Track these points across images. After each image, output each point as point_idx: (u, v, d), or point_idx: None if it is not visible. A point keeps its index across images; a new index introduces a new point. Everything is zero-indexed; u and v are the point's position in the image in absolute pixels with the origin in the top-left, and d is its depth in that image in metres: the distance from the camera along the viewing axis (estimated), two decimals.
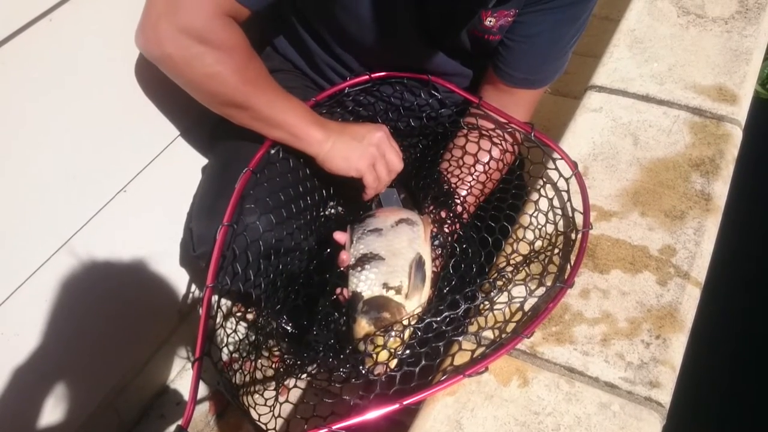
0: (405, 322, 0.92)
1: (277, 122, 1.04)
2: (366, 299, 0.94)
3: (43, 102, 0.99)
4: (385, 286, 0.94)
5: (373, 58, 1.18)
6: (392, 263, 0.96)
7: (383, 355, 0.89)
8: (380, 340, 0.90)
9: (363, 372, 0.90)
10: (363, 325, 0.92)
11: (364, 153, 1.08)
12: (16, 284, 1.05)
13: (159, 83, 1.18)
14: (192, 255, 1.16)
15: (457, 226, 1.12)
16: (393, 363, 0.90)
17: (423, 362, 0.87)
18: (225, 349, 1.00)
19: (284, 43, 1.28)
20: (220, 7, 0.98)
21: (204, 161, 1.32)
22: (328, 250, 1.10)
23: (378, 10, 1.07)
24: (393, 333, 0.90)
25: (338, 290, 0.99)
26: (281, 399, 0.96)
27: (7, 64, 0.91)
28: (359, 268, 0.96)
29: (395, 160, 1.12)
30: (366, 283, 0.95)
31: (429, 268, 0.97)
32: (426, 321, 0.91)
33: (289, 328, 1.10)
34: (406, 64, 1.18)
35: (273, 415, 0.93)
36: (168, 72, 1.02)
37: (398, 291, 0.94)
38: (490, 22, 1.07)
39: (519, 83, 1.14)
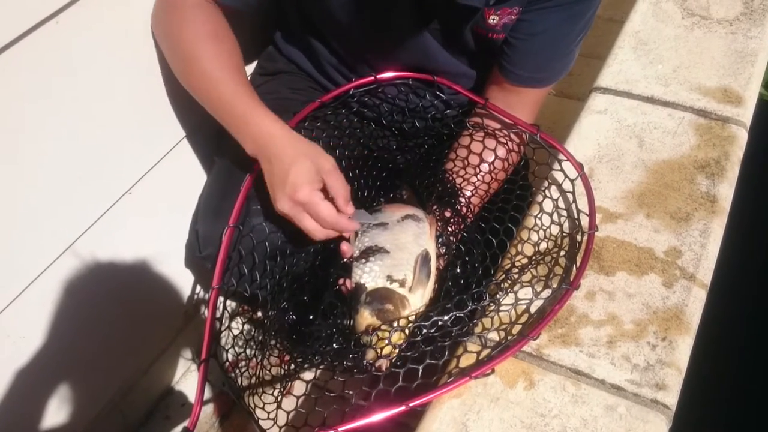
0: (410, 317, 0.92)
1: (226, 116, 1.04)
2: (369, 290, 0.94)
3: (48, 104, 0.99)
4: (389, 278, 0.94)
5: (376, 58, 1.18)
6: (397, 257, 0.96)
7: (385, 349, 0.90)
8: (384, 334, 0.90)
9: (365, 364, 0.90)
10: (365, 316, 0.92)
11: (274, 203, 0.99)
12: (21, 287, 1.05)
13: (164, 85, 1.19)
14: (198, 256, 1.16)
15: (462, 226, 1.12)
16: (394, 354, 0.90)
17: (427, 360, 0.87)
18: (230, 351, 1.00)
19: (289, 44, 1.28)
20: None
21: (210, 162, 1.32)
22: (332, 244, 1.10)
23: (376, 9, 1.08)
24: (395, 326, 0.90)
25: (341, 281, 0.99)
26: (286, 400, 0.96)
27: (13, 66, 0.91)
28: (363, 260, 0.97)
29: (315, 230, 0.98)
30: (370, 275, 0.95)
31: (434, 265, 0.97)
32: (432, 319, 0.91)
33: (294, 323, 1.10)
34: (409, 64, 1.17)
35: (277, 416, 0.93)
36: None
37: (402, 284, 0.94)
38: (494, 20, 1.07)
39: (524, 82, 1.14)
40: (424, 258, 0.96)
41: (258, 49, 1.34)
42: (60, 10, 0.95)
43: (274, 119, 1.01)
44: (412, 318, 0.93)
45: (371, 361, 0.90)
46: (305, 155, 0.98)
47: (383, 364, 0.89)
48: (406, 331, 0.92)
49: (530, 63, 1.12)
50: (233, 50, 1.07)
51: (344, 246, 0.99)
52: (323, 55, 1.23)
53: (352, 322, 0.95)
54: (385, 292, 0.93)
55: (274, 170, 0.98)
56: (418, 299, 0.94)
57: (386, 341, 0.90)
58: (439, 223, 1.09)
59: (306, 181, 0.96)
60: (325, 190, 0.98)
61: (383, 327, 0.91)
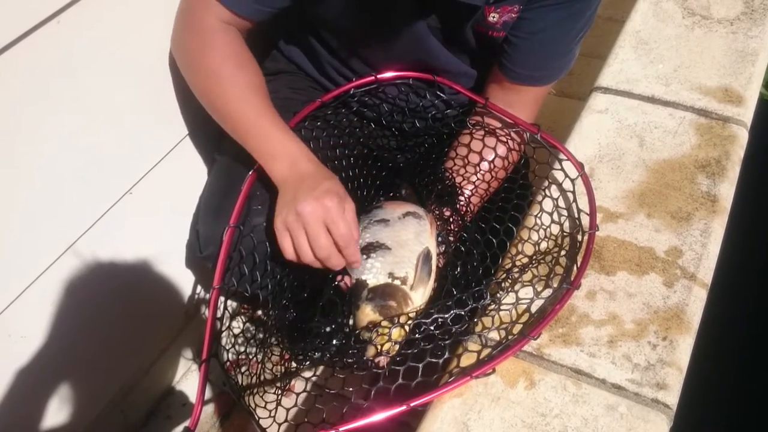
0: (411, 314, 0.92)
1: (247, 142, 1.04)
2: (371, 287, 0.94)
3: (48, 104, 0.99)
4: (391, 275, 0.94)
5: (377, 57, 1.18)
6: (398, 254, 0.96)
7: (386, 345, 0.89)
8: (384, 330, 0.90)
9: (365, 360, 0.90)
10: (367, 313, 0.92)
11: (281, 214, 0.96)
12: (22, 287, 1.05)
13: (165, 85, 1.19)
14: (198, 256, 1.16)
15: (461, 225, 1.12)
16: (394, 350, 0.90)
17: (427, 359, 0.87)
18: (231, 350, 1.00)
19: (290, 45, 1.28)
20: (220, 17, 1.06)
21: (210, 162, 1.32)
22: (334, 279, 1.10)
23: (377, 9, 1.08)
24: (396, 323, 0.90)
25: (339, 278, 0.99)
26: (287, 399, 0.96)
27: (14, 66, 0.91)
28: (364, 257, 0.96)
29: (323, 244, 0.93)
30: (371, 272, 0.95)
31: (434, 264, 0.97)
32: (433, 317, 0.91)
33: (294, 321, 1.10)
34: (410, 63, 1.17)
35: (277, 415, 0.93)
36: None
37: (404, 282, 0.94)
38: (494, 18, 1.07)
39: (524, 80, 1.14)
40: (426, 256, 0.96)
41: (260, 50, 1.34)
42: (61, 10, 0.95)
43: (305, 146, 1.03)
44: (412, 314, 0.93)
45: (371, 358, 0.90)
46: (338, 181, 0.99)
47: (383, 360, 0.89)
48: (406, 327, 0.91)
49: (530, 61, 1.12)
50: (256, 73, 1.08)
51: (342, 282, 0.99)
52: (323, 55, 1.23)
53: (352, 318, 0.94)
54: (389, 288, 0.93)
55: (305, 183, 0.96)
56: (419, 297, 0.94)
57: (386, 337, 0.90)
58: (438, 223, 1.09)
59: (338, 193, 0.95)
60: None
61: (383, 323, 0.91)
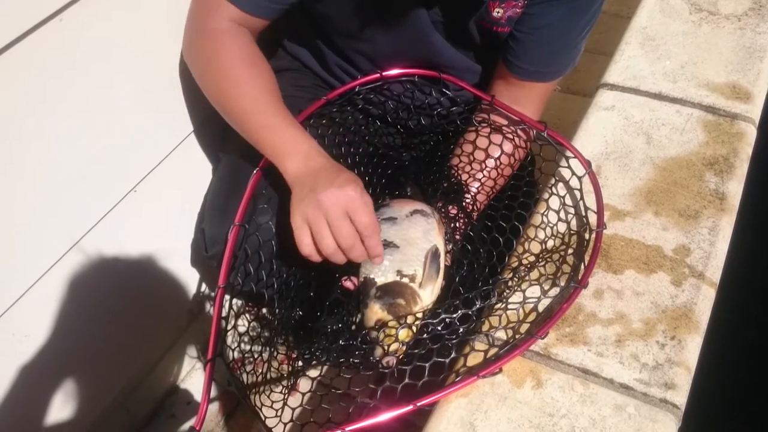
0: (418, 314, 0.91)
1: (257, 142, 1.02)
2: (379, 285, 0.93)
3: (53, 102, 0.99)
4: (399, 273, 0.94)
5: (381, 54, 1.17)
6: (406, 252, 0.96)
7: (393, 345, 0.89)
8: (392, 330, 0.90)
9: (372, 361, 0.90)
10: (376, 311, 0.92)
11: (299, 208, 0.93)
12: (26, 285, 1.05)
13: (169, 82, 1.19)
14: (204, 255, 1.16)
15: (467, 223, 1.12)
16: (402, 351, 0.90)
17: (434, 358, 0.87)
18: (236, 349, 1.00)
19: (294, 42, 1.27)
20: (231, 18, 1.05)
21: (215, 161, 1.31)
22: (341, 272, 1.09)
23: (380, 4, 1.07)
24: (404, 323, 0.90)
25: (343, 279, 0.99)
26: (292, 399, 0.96)
27: (17, 64, 0.91)
28: None
29: (346, 233, 0.90)
30: (380, 270, 0.94)
31: (443, 262, 0.97)
32: (441, 316, 0.90)
33: (301, 320, 1.10)
34: (414, 59, 1.17)
35: (283, 414, 0.93)
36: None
37: (412, 280, 0.94)
38: (498, 12, 1.07)
39: (530, 76, 1.13)
40: (434, 254, 0.96)
41: (265, 50, 1.33)
42: (63, 7, 0.94)
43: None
44: (420, 315, 0.92)
45: (379, 358, 0.90)
46: (354, 174, 0.97)
47: (391, 360, 0.89)
48: (414, 328, 0.91)
49: (536, 57, 1.12)
50: (268, 73, 1.06)
51: (347, 283, 0.99)
52: (328, 53, 1.23)
53: (360, 316, 0.94)
54: (398, 286, 0.93)
55: (321, 176, 0.93)
56: (427, 295, 0.94)
57: (394, 338, 0.89)
58: (445, 221, 1.08)
59: (359, 183, 0.94)
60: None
61: (391, 323, 0.91)
